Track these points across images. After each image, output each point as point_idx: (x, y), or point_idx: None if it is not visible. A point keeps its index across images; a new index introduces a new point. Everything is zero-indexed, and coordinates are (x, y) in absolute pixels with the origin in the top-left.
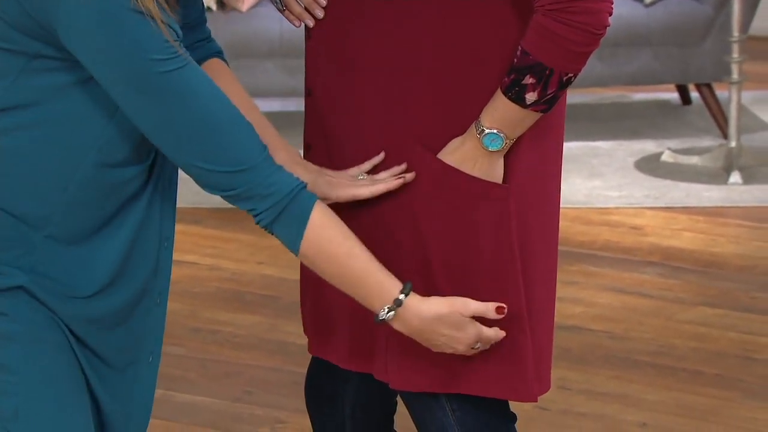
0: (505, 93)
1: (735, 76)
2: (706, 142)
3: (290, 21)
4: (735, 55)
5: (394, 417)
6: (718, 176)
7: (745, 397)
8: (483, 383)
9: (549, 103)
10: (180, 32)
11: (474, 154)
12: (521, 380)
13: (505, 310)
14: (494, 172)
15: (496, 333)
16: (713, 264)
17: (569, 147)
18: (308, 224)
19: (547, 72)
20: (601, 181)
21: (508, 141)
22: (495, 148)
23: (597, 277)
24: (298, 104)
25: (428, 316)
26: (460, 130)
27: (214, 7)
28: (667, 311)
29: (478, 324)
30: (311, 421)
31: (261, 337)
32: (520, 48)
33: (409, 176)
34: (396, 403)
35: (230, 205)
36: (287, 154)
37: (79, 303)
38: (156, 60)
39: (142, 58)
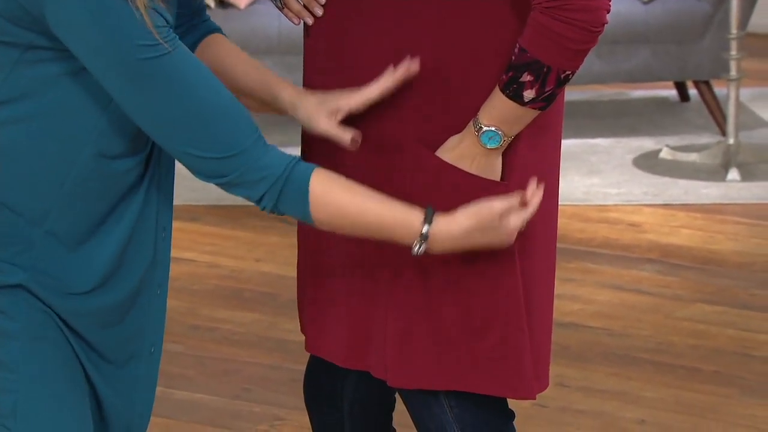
0: (503, 90)
1: (733, 73)
2: (704, 139)
3: (289, 19)
4: (733, 52)
5: (393, 414)
6: (717, 173)
7: (744, 394)
8: (481, 381)
9: (547, 101)
10: (169, 18)
11: (472, 152)
12: (519, 378)
13: (528, 198)
14: (492, 169)
15: (527, 215)
16: (711, 261)
17: (567, 144)
18: (310, 196)
19: (545, 69)
20: (599, 179)
21: (506, 138)
22: (493, 146)
23: (595, 274)
24: None
25: (460, 233)
26: (459, 129)
27: (212, 4)
28: (665, 308)
29: (510, 217)
30: (310, 419)
31: (259, 334)
32: (517, 45)
33: (414, 66)
34: (395, 400)
35: (228, 203)
36: (292, 88)
37: (79, 298)
38: (141, 46)
39: (128, 45)
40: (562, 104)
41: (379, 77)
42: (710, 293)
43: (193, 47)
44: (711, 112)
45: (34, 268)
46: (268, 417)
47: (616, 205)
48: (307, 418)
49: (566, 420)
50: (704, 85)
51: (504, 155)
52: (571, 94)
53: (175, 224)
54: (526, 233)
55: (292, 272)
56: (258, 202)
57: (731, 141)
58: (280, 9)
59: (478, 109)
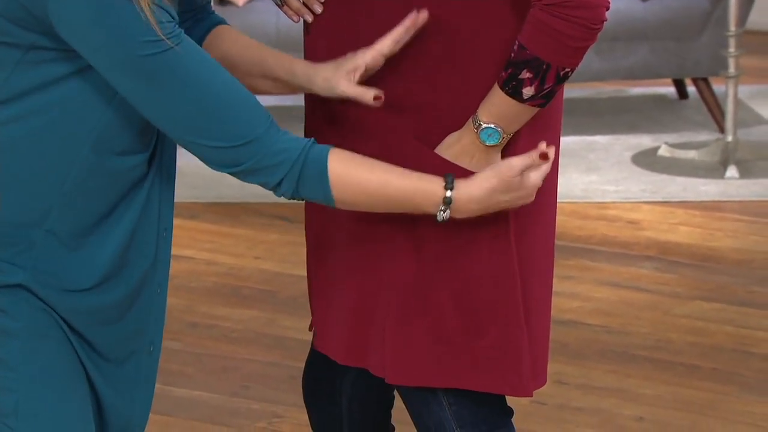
0: (502, 87)
1: (732, 70)
2: (703, 136)
3: (289, 16)
4: (732, 49)
5: (392, 411)
6: (715, 170)
7: (742, 391)
8: (479, 379)
9: (546, 98)
10: (173, 12)
11: (471, 149)
12: (517, 376)
13: (548, 150)
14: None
15: (545, 170)
16: (710, 258)
17: (566, 141)
18: (330, 176)
19: (544, 67)
20: (598, 176)
21: (505, 136)
22: (492, 143)
23: (594, 271)
24: (294, 98)
25: (482, 195)
26: (459, 127)
27: (211, 1)
28: (664, 305)
29: (529, 173)
30: (309, 415)
31: (258, 331)
32: (517, 42)
33: (423, 15)
34: (393, 397)
35: (227, 200)
36: (304, 63)
37: (80, 296)
38: (145, 42)
39: (132, 42)
40: (561, 101)
41: (390, 31)
42: (709, 290)
43: (200, 41)
44: (709, 109)
45: (34, 268)
46: (266, 414)
47: (614, 202)
48: (305, 415)
49: (565, 417)
50: (703, 83)
51: (504, 153)
52: (570, 91)
53: (174, 221)
54: (524, 231)
55: (291, 269)
56: (277, 187)
57: (730, 138)
58: (280, 6)
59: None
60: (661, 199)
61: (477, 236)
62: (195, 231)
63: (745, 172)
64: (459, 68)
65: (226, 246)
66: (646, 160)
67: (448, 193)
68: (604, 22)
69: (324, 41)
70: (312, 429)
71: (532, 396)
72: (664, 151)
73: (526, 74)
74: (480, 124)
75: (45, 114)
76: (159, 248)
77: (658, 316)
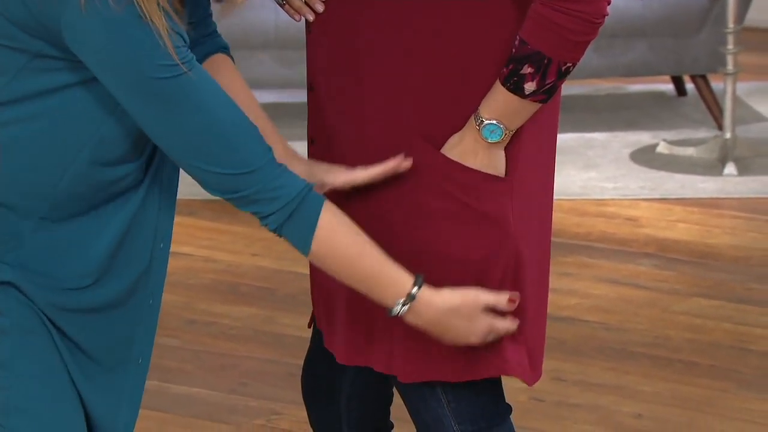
0: (503, 83)
1: (730, 67)
2: (701, 133)
3: (290, 15)
4: (730, 46)
5: (390, 408)
6: (713, 167)
7: (740, 388)
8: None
9: (548, 93)
10: (186, 36)
11: (474, 147)
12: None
13: (517, 302)
14: (496, 164)
15: (508, 325)
16: (708, 255)
17: (565, 138)
18: (318, 226)
19: (546, 61)
20: (596, 173)
21: (507, 132)
22: (494, 140)
23: (592, 268)
24: (292, 96)
25: (442, 308)
26: (463, 126)
27: None
28: (662, 302)
29: (490, 315)
30: (307, 412)
31: (256, 328)
32: (518, 38)
33: (406, 164)
34: (392, 393)
35: None
36: (283, 148)
37: (69, 293)
38: (159, 66)
39: (146, 66)
40: (559, 97)
41: (377, 165)
42: (707, 287)
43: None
44: (708, 106)
45: (23, 267)
46: (265, 411)
47: (613, 199)
48: (304, 412)
49: (563, 414)
50: (701, 80)
51: (507, 150)
52: (569, 88)
53: None
54: (524, 228)
55: (289, 267)
56: (264, 218)
57: (728, 135)
58: (281, 5)
59: None
60: (659, 196)
61: (481, 236)
62: (193, 228)
63: (744, 169)
64: (464, 67)
65: (224, 243)
66: (645, 157)
67: (414, 290)
68: (606, 17)
69: (325, 40)
70: (311, 426)
71: (529, 384)
72: (662, 148)
73: (527, 69)
74: (482, 121)
75: (45, 119)
76: (154, 257)
77: (657, 313)
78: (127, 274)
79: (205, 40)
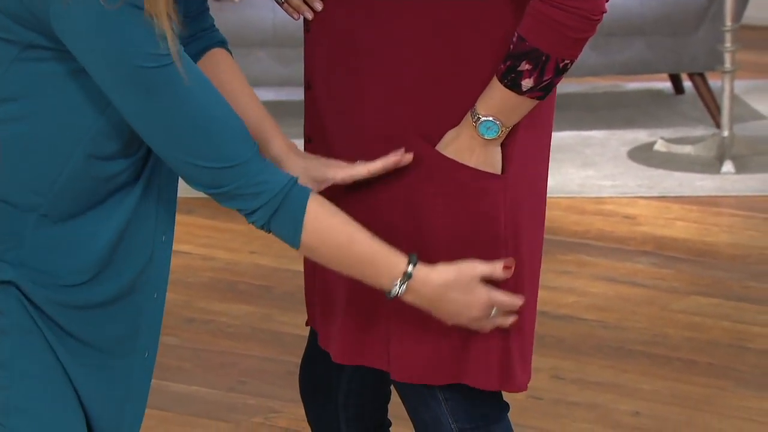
0: (501, 80)
1: (728, 65)
2: (699, 131)
3: (289, 14)
4: (728, 44)
5: (388, 406)
6: (711, 165)
7: (738, 385)
8: (475, 375)
9: (545, 90)
10: (176, 28)
11: (470, 144)
12: (511, 371)
13: (512, 269)
14: (492, 161)
15: (509, 298)
16: (706, 253)
17: (562, 136)
18: (305, 218)
19: (544, 58)
20: (594, 171)
21: (504, 129)
22: (491, 136)
23: (590, 266)
24: (290, 94)
25: (438, 283)
26: (458, 123)
27: None
28: (660, 301)
29: (488, 287)
30: (305, 410)
31: (255, 327)
32: (516, 34)
33: (407, 158)
34: (390, 392)
35: None
36: (283, 142)
37: (69, 290)
38: (148, 55)
39: (134, 54)
40: (554, 93)
41: (372, 165)
42: (705, 285)
43: (195, 58)
44: (706, 104)
45: (23, 265)
46: (263, 409)
47: (611, 197)
48: (302, 411)
49: (561, 412)
50: (699, 78)
51: (503, 147)
52: (566, 86)
53: None
54: (518, 226)
55: (287, 265)
56: (250, 215)
57: (726, 133)
58: (280, 4)
59: None
60: (657, 194)
61: (478, 233)
62: (191, 226)
63: (741, 167)
64: (461, 65)
65: (222, 241)
66: (643, 155)
67: (410, 269)
68: (604, 14)
69: (324, 39)
70: (309, 424)
71: (526, 390)
72: (660, 146)
73: (525, 66)
74: (479, 117)
75: (41, 114)
76: (155, 251)
77: (655, 311)
78: (129, 269)
79: (203, 34)
